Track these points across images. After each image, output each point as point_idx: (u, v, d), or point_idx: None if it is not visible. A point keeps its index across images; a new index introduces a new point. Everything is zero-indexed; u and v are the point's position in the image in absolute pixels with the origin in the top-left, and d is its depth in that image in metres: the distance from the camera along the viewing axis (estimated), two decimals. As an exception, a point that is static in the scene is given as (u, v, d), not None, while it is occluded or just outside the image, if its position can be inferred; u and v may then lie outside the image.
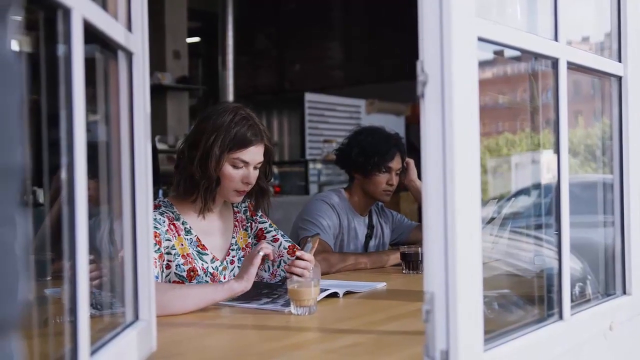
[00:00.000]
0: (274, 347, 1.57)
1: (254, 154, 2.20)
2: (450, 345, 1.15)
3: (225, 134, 2.15)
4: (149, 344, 1.40)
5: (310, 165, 7.51)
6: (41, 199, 2.54)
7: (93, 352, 1.07)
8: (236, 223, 2.37)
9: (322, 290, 2.04)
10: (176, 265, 2.15)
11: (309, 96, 8.09)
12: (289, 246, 2.37)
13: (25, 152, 0.58)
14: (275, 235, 2.39)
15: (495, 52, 1.45)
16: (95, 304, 1.29)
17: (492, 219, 1.96)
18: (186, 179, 2.20)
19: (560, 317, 1.50)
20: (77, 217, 0.99)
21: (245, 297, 2.03)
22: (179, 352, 1.56)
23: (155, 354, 1.42)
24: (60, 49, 0.98)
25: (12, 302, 0.53)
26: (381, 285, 2.35)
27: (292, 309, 1.87)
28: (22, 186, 0.56)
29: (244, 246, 2.37)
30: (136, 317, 1.36)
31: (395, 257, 2.83)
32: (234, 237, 2.35)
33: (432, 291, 1.16)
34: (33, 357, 1.05)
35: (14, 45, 0.58)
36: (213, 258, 2.25)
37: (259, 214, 2.42)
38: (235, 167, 2.19)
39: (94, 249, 1.13)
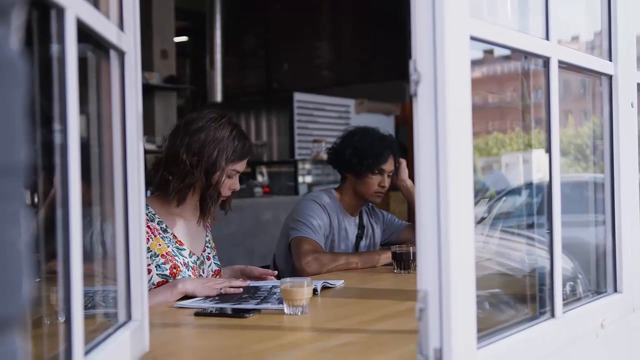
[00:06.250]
0: (268, 347, 1.56)
1: (245, 164, 2.33)
2: (444, 343, 1.15)
3: (227, 148, 2.24)
4: (142, 344, 1.39)
5: (300, 165, 7.49)
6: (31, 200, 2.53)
7: (87, 353, 1.07)
8: (208, 224, 2.45)
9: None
10: (156, 266, 2.18)
11: (297, 96, 8.07)
12: (215, 270, 2.43)
13: (28, 150, 0.58)
14: (211, 253, 2.45)
15: (485, 51, 1.45)
16: (86, 304, 1.28)
17: (483, 218, 1.97)
18: (188, 187, 2.24)
19: (552, 315, 1.51)
20: (71, 218, 0.98)
21: (237, 299, 2.02)
22: (171, 352, 1.56)
23: (148, 354, 1.41)
24: (54, 48, 0.98)
25: (16, 300, 0.53)
26: (340, 283, 2.35)
27: (285, 308, 1.86)
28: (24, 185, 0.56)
29: (213, 247, 2.46)
30: (129, 317, 1.35)
31: (386, 257, 2.83)
32: (207, 236, 2.44)
33: (426, 289, 1.16)
34: (26, 358, 1.04)
35: (17, 45, 0.58)
36: (190, 253, 2.31)
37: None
38: (229, 177, 2.28)
39: (84, 250, 1.12)
